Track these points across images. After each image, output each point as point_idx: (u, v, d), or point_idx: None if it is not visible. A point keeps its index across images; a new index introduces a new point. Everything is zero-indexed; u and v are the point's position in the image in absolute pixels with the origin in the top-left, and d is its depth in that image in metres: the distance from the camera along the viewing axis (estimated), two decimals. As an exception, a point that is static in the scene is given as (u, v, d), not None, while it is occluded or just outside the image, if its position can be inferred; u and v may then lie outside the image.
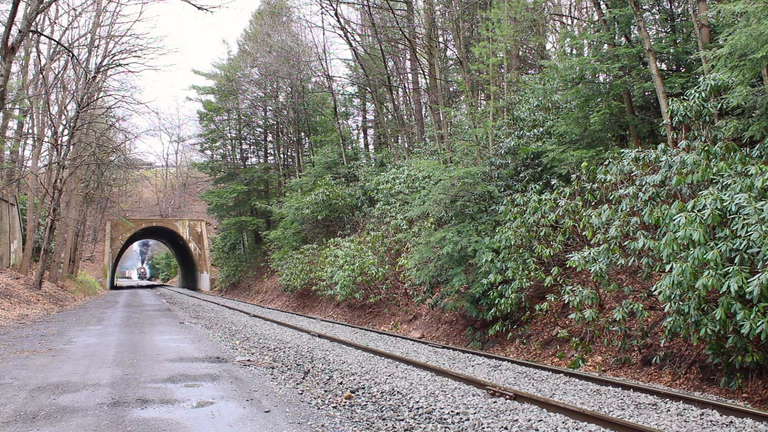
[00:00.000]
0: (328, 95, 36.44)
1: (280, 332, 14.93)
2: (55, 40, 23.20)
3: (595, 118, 12.96)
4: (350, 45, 29.12)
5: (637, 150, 10.25)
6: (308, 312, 23.99)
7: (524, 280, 11.60)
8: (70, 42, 26.30)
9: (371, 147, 37.40)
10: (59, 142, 25.46)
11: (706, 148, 8.82)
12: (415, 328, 16.07)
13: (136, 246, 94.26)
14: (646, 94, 13.71)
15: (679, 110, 10.11)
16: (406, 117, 31.39)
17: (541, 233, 11.81)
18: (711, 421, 6.15)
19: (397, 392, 7.41)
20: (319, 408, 6.29)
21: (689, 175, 8.56)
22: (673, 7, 14.66)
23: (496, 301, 11.97)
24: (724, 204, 7.40)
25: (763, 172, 7.35)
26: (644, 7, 14.55)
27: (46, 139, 27.93)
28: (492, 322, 12.63)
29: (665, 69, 14.13)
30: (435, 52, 23.79)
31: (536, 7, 20.35)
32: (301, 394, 7.00)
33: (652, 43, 12.74)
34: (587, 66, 13.24)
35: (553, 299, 11.00)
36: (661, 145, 9.98)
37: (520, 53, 22.09)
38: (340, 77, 37.77)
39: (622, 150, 10.92)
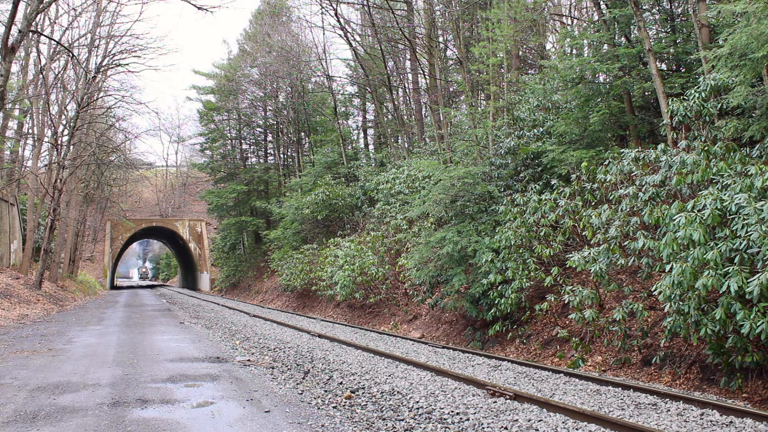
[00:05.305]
0: (328, 95, 36.45)
1: (280, 332, 14.93)
2: (55, 40, 23.20)
3: (595, 118, 12.96)
4: (350, 45, 29.14)
5: (637, 150, 10.25)
6: (308, 312, 23.99)
7: (524, 280, 11.60)
8: (70, 42, 26.29)
9: (371, 147, 37.41)
10: (59, 142, 25.46)
11: (706, 148, 8.82)
12: (415, 328, 16.07)
13: (136, 246, 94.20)
14: (646, 94, 13.70)
15: (679, 110, 10.11)
16: (406, 117, 31.38)
17: (541, 233, 11.81)
18: (711, 421, 6.15)
19: (397, 392, 7.41)
20: (319, 408, 6.29)
21: (689, 175, 8.56)
22: (673, 7, 14.66)
23: (496, 301, 11.97)
24: (724, 204, 7.39)
25: (763, 172, 7.35)
26: (644, 7, 14.55)
27: (46, 139, 27.93)
28: (492, 322, 12.63)
29: (665, 69, 14.13)
30: (435, 52, 23.79)
31: (536, 7, 20.35)
32: (301, 394, 7.00)
33: (652, 43, 12.74)
34: (587, 66, 13.24)
35: (553, 299, 10.99)
36: (661, 145, 9.98)
37: (520, 53, 22.09)
38: (340, 77, 37.84)
39: (622, 150, 10.91)
